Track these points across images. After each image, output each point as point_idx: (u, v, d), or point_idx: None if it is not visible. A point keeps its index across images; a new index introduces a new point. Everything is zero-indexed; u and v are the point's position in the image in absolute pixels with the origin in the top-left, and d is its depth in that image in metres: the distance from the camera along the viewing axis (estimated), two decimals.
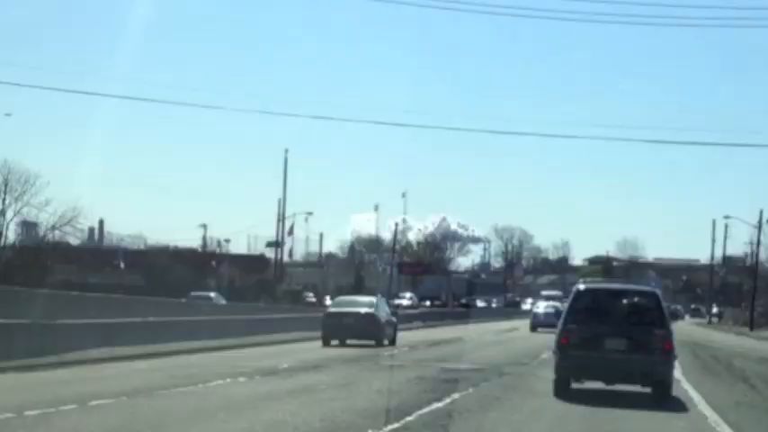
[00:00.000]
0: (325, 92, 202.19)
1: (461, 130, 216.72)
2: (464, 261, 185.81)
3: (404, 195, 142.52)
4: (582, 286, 22.55)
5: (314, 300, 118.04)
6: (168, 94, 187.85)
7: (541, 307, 68.62)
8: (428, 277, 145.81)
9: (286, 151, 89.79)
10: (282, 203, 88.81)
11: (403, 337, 47.17)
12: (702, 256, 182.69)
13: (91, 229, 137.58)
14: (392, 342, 42.41)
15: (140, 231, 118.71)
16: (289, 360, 30.34)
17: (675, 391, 22.50)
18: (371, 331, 41.00)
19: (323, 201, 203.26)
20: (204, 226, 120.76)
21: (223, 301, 67.46)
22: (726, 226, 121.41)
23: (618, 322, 21.37)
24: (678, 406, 21.04)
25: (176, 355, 30.68)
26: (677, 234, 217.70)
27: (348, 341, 41.46)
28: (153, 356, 29.50)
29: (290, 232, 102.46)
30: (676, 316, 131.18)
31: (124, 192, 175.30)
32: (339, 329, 41.00)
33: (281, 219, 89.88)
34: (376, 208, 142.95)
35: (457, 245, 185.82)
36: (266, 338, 40.76)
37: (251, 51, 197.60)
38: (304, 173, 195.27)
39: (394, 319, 45.38)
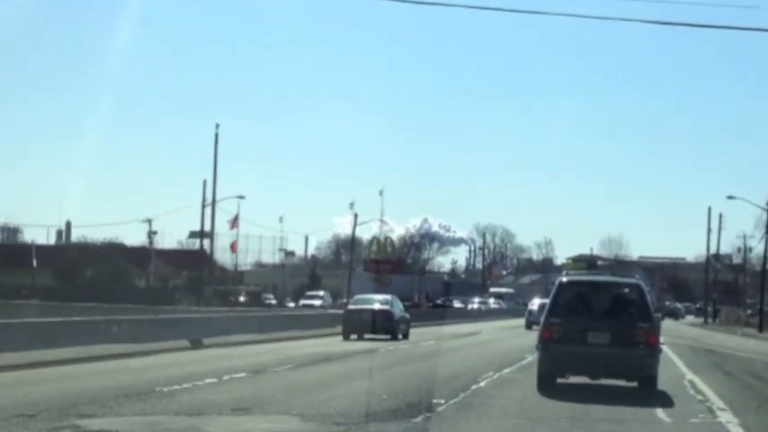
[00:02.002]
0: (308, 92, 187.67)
1: (443, 130, 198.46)
2: (446, 261, 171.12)
3: (381, 193, 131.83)
4: (565, 279, 20.65)
5: (274, 301, 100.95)
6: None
7: (536, 304, 60.76)
8: (400, 276, 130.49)
9: (217, 126, 71.35)
10: (213, 187, 70.20)
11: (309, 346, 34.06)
12: (689, 255, 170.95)
13: (59, 231, 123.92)
14: (405, 336, 42.34)
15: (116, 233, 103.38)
16: None
17: None
18: (386, 326, 41.26)
19: (306, 203, 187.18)
20: (149, 221, 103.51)
21: None
22: (720, 216, 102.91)
23: (601, 315, 19.58)
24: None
25: None
26: (663, 232, 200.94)
27: (366, 336, 40.75)
28: None
29: (234, 224, 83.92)
30: (676, 315, 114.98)
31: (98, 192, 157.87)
32: (357, 325, 41.12)
33: (212, 204, 71.21)
34: (351, 206, 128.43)
35: (436, 245, 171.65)
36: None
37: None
38: (288, 177, 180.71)
39: (407, 315, 45.19)
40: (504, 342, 41.05)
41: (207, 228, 73.01)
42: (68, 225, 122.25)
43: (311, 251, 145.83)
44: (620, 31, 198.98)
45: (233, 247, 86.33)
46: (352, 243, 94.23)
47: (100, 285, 74.51)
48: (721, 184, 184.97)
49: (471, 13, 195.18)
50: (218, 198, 71.09)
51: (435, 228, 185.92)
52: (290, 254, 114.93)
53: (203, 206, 70.18)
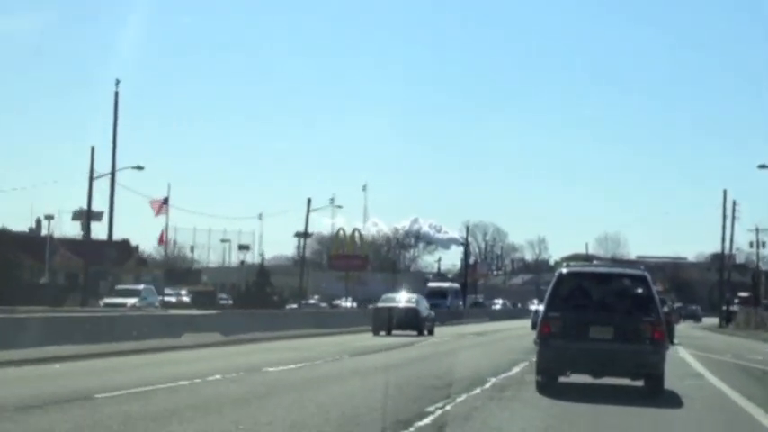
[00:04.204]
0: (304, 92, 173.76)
1: (437, 131, 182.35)
2: (432, 261, 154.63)
3: (365, 189, 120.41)
4: (565, 270, 18.01)
5: (230, 301, 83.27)
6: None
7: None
8: (378, 275, 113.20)
9: (117, 83, 53.58)
10: (112, 157, 52.24)
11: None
12: (690, 254, 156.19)
13: (30, 228, 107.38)
14: (431, 333, 42.28)
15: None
16: None
17: None
18: (413, 323, 41.40)
19: (295, 203, 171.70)
20: (83, 212, 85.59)
21: None
22: (734, 204, 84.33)
23: (604, 309, 17.05)
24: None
25: None
26: (662, 230, 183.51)
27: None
28: None
29: (160, 208, 66.12)
30: (696, 317, 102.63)
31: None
32: (386, 321, 41.14)
33: (111, 175, 53.17)
34: (332, 201, 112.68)
35: (422, 244, 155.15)
36: None
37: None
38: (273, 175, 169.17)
39: (432, 314, 45.41)
40: (414, 367, 22.35)
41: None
42: (38, 222, 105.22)
43: (287, 251, 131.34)
44: (612, 30, 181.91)
45: (161, 238, 68.31)
46: (304, 235, 76.05)
47: None
48: (721, 180, 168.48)
49: (466, 15, 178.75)
50: (100, 170, 52.88)
51: (425, 228, 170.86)
52: (243, 247, 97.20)
53: (91, 179, 51.99)
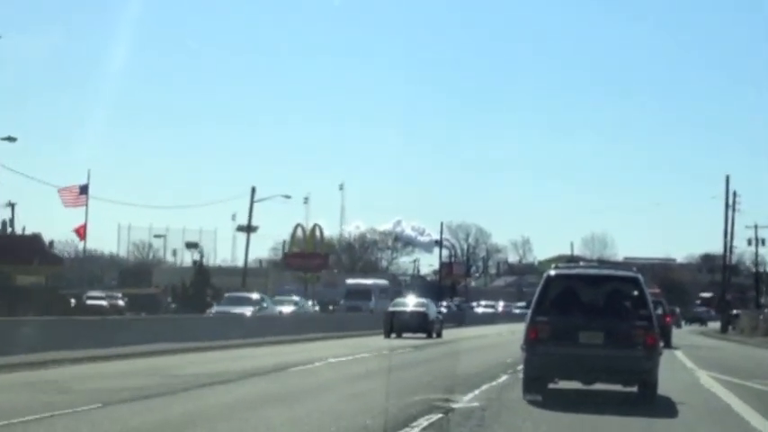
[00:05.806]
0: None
1: (422, 133, 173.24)
2: (421, 263, 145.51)
3: (341, 188, 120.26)
4: (553, 272, 17.14)
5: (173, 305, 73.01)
6: None
7: None
8: (347, 277, 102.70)
9: None
10: None
11: None
12: (679, 255, 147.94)
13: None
14: (439, 335, 44.00)
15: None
16: None
17: None
18: (422, 326, 42.88)
19: (274, 203, 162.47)
20: (12, 205, 76.43)
21: None
22: (734, 195, 73.30)
23: (594, 313, 16.30)
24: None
25: None
26: (650, 231, 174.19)
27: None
28: None
29: (70, 198, 55.52)
30: (702, 320, 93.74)
31: None
32: (396, 325, 42.56)
33: None
34: (306, 201, 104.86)
35: (399, 245, 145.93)
36: None
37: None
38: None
39: (440, 317, 46.80)
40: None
41: None
42: (4, 224, 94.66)
43: (261, 252, 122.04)
44: (601, 27, 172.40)
45: (79, 231, 57.31)
46: (248, 229, 65.07)
47: None
48: (712, 181, 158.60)
49: (448, 17, 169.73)
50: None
51: (408, 230, 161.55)
52: (192, 245, 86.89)
53: None
